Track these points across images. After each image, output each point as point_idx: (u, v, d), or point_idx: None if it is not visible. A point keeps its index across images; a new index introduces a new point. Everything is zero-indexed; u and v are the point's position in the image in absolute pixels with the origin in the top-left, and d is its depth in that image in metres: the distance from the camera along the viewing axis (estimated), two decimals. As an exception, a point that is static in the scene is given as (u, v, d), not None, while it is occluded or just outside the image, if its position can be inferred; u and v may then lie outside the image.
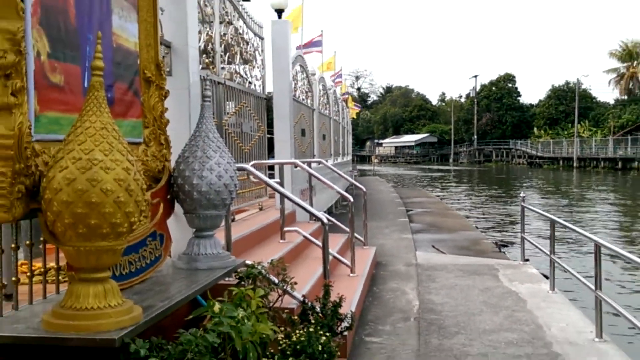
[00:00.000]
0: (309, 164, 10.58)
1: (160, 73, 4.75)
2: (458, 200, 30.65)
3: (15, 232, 3.35)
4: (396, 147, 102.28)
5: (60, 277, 3.71)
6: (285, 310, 5.05)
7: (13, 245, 3.36)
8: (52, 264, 3.72)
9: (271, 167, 10.71)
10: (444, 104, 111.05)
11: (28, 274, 3.58)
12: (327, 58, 22.65)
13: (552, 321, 7.06)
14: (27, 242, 3.55)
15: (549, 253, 8.80)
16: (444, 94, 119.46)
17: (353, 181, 15.22)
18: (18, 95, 3.02)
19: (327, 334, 4.61)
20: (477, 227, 18.33)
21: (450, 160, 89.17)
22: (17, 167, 3.01)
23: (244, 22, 9.19)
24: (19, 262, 3.46)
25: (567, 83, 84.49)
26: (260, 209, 9.53)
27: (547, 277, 9.13)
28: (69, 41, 3.64)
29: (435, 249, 12.74)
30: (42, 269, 3.76)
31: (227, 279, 4.81)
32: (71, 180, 2.92)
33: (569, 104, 78.91)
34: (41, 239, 3.40)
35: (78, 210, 2.92)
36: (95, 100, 3.13)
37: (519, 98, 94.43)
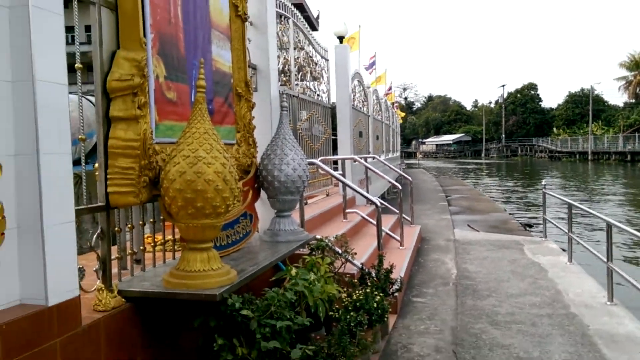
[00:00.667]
0: (365, 159, 10.54)
1: (249, 89, 4.84)
2: (489, 187, 29.83)
3: (142, 212, 3.49)
4: (437, 145, 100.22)
5: (175, 247, 3.84)
6: (347, 275, 5.08)
7: (141, 222, 3.49)
8: (169, 237, 3.85)
9: (335, 162, 10.73)
10: (476, 109, 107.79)
11: (152, 244, 3.75)
12: (380, 73, 22.40)
13: (569, 287, 6.84)
14: (151, 220, 3.70)
15: (567, 231, 8.51)
16: (476, 100, 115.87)
17: (401, 172, 15.08)
18: (143, 108, 3.14)
19: (381, 294, 4.62)
20: (505, 210, 17.82)
21: (482, 155, 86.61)
22: (142, 163, 3.13)
23: (313, 47, 9.22)
24: (145, 235, 3.58)
25: (582, 89, 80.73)
26: (327, 195, 9.56)
27: (565, 251, 8.83)
28: (180, 66, 3.76)
29: (470, 227, 12.48)
30: (161, 241, 3.93)
31: (301, 249, 4.86)
32: (182, 172, 3.02)
33: (584, 107, 75.45)
34: (160, 217, 3.53)
35: (188, 195, 3.02)
36: (199, 111, 3.22)
37: (540, 103, 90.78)
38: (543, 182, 11.50)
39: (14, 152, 2.44)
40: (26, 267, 2.47)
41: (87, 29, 3.03)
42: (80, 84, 2.99)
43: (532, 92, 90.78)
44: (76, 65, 2.89)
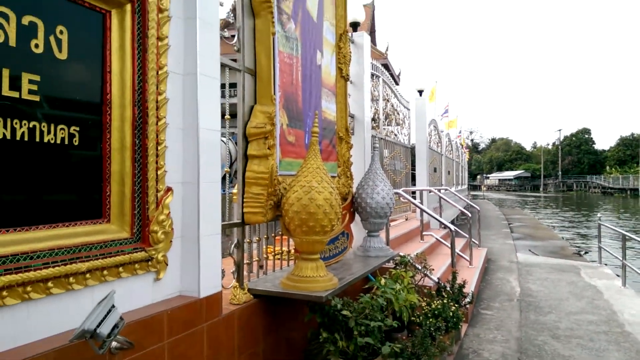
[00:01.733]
0: (439, 190, 10.29)
1: (348, 134, 4.95)
2: (547, 217, 27.83)
3: (267, 229, 3.66)
4: (499, 180, 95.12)
5: (288, 257, 3.95)
6: (426, 287, 4.95)
7: (265, 236, 3.66)
8: (284, 248, 3.99)
9: (413, 192, 10.57)
10: (535, 149, 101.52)
11: (271, 253, 3.90)
12: (452, 119, 21.89)
13: (624, 308, 6.19)
14: (273, 235, 3.86)
15: (621, 258, 7.75)
16: (535, 142, 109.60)
17: (469, 202, 14.50)
18: (271, 149, 3.32)
19: (455, 305, 4.46)
20: (562, 238, 16.53)
21: (541, 189, 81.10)
22: (269, 190, 3.30)
23: (397, 99, 9.25)
24: (266, 247, 3.73)
25: (633, 134, 74.05)
26: (406, 220, 9.41)
27: (619, 276, 8.02)
28: (298, 116, 3.94)
29: (530, 251, 11.69)
30: (278, 251, 4.07)
31: (387, 264, 4.82)
32: (299, 198, 3.14)
33: (634, 149, 68.90)
34: (273, 233, 3.67)
35: (303, 216, 3.13)
36: (313, 151, 3.34)
37: (593, 145, 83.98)
38: (598, 215, 10.58)
39: (181, 181, 2.68)
40: (186, 267, 2.67)
41: (232, 85, 3.29)
42: (227, 129, 3.23)
43: (586, 136, 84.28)
44: (226, 116, 3.12)
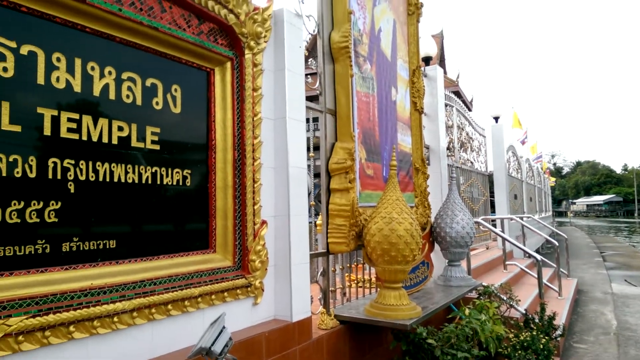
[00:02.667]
0: (521, 218, 9.83)
1: (424, 164, 5.00)
2: (645, 245, 25.15)
3: (349, 258, 3.78)
4: (587, 205, 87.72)
5: (370, 285, 4.02)
6: (512, 319, 4.75)
7: (349, 265, 3.78)
8: (365, 277, 4.07)
9: (492, 220, 10.19)
10: (626, 172, 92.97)
11: (354, 281, 4.00)
12: (531, 144, 20.89)
13: None
14: (355, 264, 3.97)
15: None
16: (626, 164, 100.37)
17: (555, 229, 13.62)
18: (352, 182, 3.48)
19: (545, 337, 4.23)
20: (664, 267, 14.85)
21: (635, 214, 73.66)
22: (351, 221, 3.44)
23: (472, 127, 9.11)
24: (347, 275, 3.84)
25: None
26: (487, 249, 9.07)
27: None
28: (375, 150, 4.09)
29: (627, 282, 10.67)
30: (360, 279, 4.16)
31: (469, 294, 4.72)
32: (380, 229, 3.24)
33: None
34: (352, 262, 3.76)
35: (384, 246, 3.22)
36: (392, 184, 3.45)
37: (693, 167, 75.20)
38: None
39: (274, 214, 2.91)
40: (279, 293, 2.87)
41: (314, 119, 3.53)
42: (311, 165, 3.45)
43: (687, 156, 75.84)
44: (310, 154, 3.35)
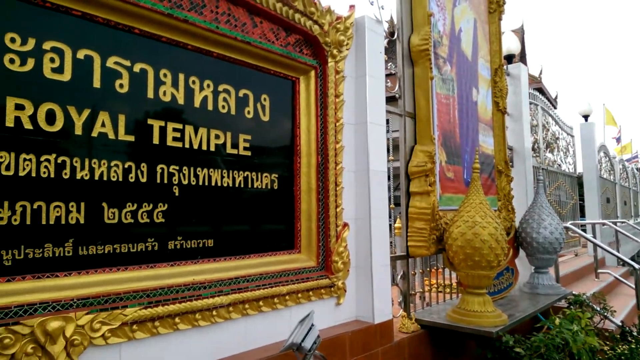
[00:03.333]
0: (614, 223, 9.04)
1: (507, 166, 4.79)
2: None
3: (429, 262, 3.73)
4: (694, 210, 78.04)
5: (451, 290, 3.93)
6: (607, 331, 4.41)
7: (428, 269, 3.73)
8: (445, 281, 3.98)
9: (581, 225, 9.47)
10: None
11: (434, 285, 3.93)
12: (625, 143, 19.12)
13: None
14: (434, 268, 3.90)
15: None
16: None
17: (655, 237, 12.34)
18: (432, 185, 3.44)
19: (646, 352, 3.87)
20: None
21: None
22: (431, 225, 3.39)
23: (559, 126, 8.55)
24: (428, 279, 3.79)
25: None
26: (575, 255, 8.45)
27: None
28: (456, 153, 4.00)
29: None
30: (440, 284, 4.08)
31: (558, 303, 4.45)
32: (463, 233, 3.17)
33: None
34: (434, 265, 3.69)
35: (467, 251, 3.14)
36: (475, 187, 3.36)
37: None
38: None
39: (355, 217, 2.95)
40: (361, 294, 2.91)
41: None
42: (390, 168, 3.45)
43: None
44: (389, 157, 3.35)
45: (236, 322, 2.25)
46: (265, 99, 2.59)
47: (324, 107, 2.79)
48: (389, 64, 3.50)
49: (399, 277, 3.37)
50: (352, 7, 2.95)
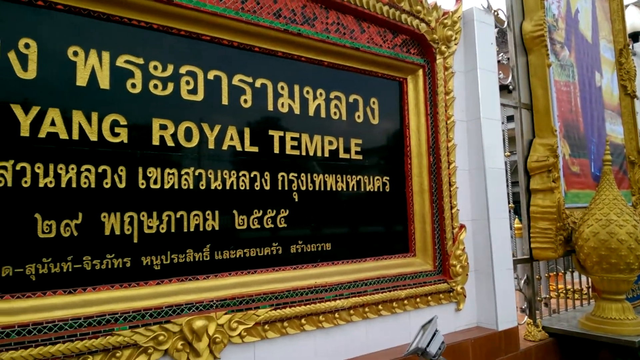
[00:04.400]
0: None
1: (641, 156, 4.28)
2: None
3: (555, 265, 3.45)
4: None
5: (581, 296, 3.60)
6: None
7: (553, 274, 3.45)
8: (569, 286, 3.65)
9: None
10: None
11: (562, 291, 3.62)
12: None
13: None
14: (560, 272, 3.61)
15: None
16: None
17: None
18: (556, 182, 3.18)
19: None
20: None
21: None
22: (558, 224, 3.14)
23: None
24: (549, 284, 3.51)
25: None
26: None
27: None
28: (580, 144, 3.66)
29: None
30: (565, 289, 3.75)
31: None
32: (595, 233, 2.88)
33: None
34: (553, 269, 3.40)
35: (602, 252, 2.85)
36: (607, 181, 3.05)
37: None
38: None
39: (471, 218, 2.84)
40: (481, 299, 2.78)
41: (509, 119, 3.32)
42: (507, 164, 3.26)
43: None
44: (505, 153, 3.17)
45: (357, 325, 2.28)
46: (374, 102, 2.60)
47: (434, 106, 2.72)
48: (499, 55, 3.31)
49: (522, 281, 3.16)
50: (458, 0, 2.85)
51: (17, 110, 1.58)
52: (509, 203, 2.99)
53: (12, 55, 1.59)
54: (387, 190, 2.62)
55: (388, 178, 2.62)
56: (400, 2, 2.52)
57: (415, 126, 2.73)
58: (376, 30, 2.51)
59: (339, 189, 2.41)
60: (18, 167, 1.57)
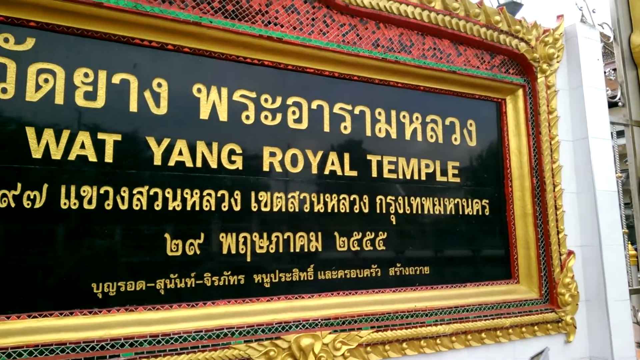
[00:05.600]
0: None
1: None
2: None
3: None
4: None
5: None
6: None
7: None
8: None
9: None
10: None
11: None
12: None
13: None
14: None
15: None
16: None
17: None
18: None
19: None
20: None
21: None
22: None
23: None
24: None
25: None
26: None
27: None
28: None
29: None
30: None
31: None
32: None
33: None
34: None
35: None
36: None
37: None
38: None
39: (580, 244, 2.65)
40: (593, 331, 2.57)
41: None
42: (620, 191, 3.01)
43: None
44: (617, 174, 2.94)
45: (459, 353, 2.21)
46: (471, 124, 2.56)
47: (536, 126, 2.62)
48: (606, 70, 3.12)
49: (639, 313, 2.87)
50: (560, 16, 2.75)
51: (152, 142, 1.80)
52: (622, 228, 2.76)
53: (147, 94, 1.81)
54: (487, 213, 2.54)
55: (487, 201, 2.55)
56: (498, 23, 2.49)
57: (516, 147, 2.64)
58: (473, 53, 2.50)
59: (437, 212, 2.39)
60: (152, 192, 1.77)
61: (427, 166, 2.40)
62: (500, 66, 2.58)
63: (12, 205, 1.56)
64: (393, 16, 2.24)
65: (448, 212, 2.43)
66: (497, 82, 2.57)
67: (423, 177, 2.38)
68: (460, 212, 2.47)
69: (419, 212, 2.34)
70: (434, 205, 2.39)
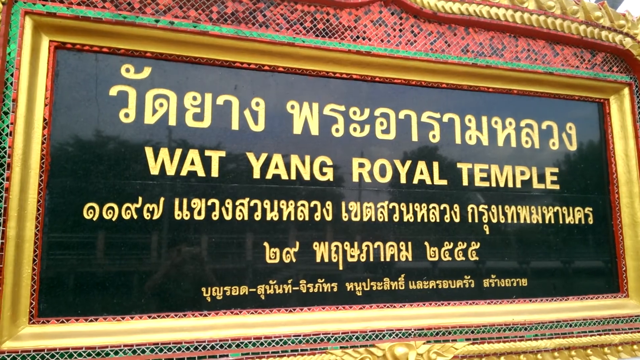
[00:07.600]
0: None
1: None
2: None
3: None
4: None
5: None
6: None
7: None
8: None
9: None
10: None
11: None
12: None
13: None
14: None
15: None
16: None
17: None
18: None
19: None
20: None
21: None
22: None
23: None
24: None
25: None
26: None
27: None
28: None
29: None
30: None
31: None
32: None
33: None
34: None
35: None
36: None
37: None
38: None
39: None
40: None
41: None
42: None
43: None
44: None
45: (563, 370, 2.10)
46: (570, 128, 2.43)
47: (645, 127, 2.41)
48: None
49: None
50: (672, 5, 2.51)
51: (251, 157, 1.93)
52: None
53: (247, 113, 1.95)
54: (590, 222, 2.39)
55: (591, 209, 2.39)
56: (599, 19, 2.34)
57: (623, 151, 2.45)
58: (571, 52, 2.36)
59: (534, 221, 2.29)
60: (252, 204, 1.90)
61: (522, 173, 2.31)
62: (602, 64, 2.42)
63: (135, 217, 1.77)
64: (483, 20, 2.20)
65: (546, 221, 2.32)
66: (599, 81, 2.41)
67: (518, 185, 2.29)
68: (560, 221, 2.34)
69: (514, 221, 2.26)
70: (530, 214, 2.29)
